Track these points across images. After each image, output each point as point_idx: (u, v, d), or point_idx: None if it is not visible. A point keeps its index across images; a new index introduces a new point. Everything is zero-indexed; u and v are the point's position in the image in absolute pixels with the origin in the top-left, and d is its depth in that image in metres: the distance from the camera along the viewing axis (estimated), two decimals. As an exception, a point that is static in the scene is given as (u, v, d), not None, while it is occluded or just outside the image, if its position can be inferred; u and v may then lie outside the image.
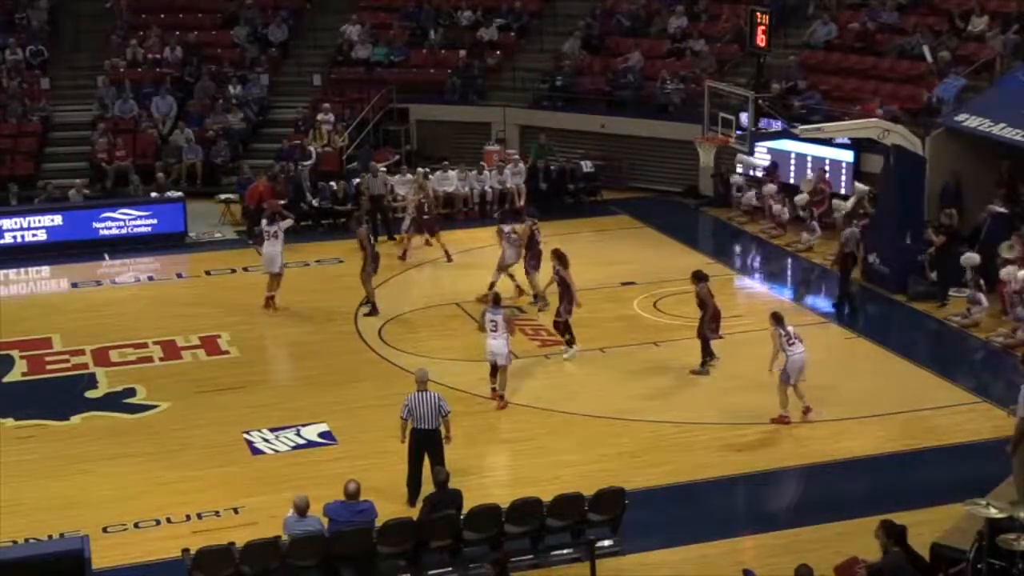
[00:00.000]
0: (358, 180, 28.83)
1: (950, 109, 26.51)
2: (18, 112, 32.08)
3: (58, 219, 27.29)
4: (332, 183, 29.18)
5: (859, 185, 26.47)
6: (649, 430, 18.12)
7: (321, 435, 18.00)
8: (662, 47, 32.94)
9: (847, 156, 27.83)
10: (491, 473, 17.14)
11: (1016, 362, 18.35)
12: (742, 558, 14.60)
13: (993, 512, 12.20)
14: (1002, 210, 24.22)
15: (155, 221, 27.77)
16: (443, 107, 33.17)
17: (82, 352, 21.33)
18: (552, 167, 30.68)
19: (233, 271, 25.90)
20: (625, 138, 31.86)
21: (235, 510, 15.81)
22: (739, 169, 29.79)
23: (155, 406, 19.16)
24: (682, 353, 20.58)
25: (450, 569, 14.04)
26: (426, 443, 15.66)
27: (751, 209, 28.97)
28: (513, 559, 13.47)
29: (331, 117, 31.69)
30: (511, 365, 18.98)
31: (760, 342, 18.85)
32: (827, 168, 27.88)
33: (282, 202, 27.65)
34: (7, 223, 26.97)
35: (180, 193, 28.80)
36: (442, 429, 15.82)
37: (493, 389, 18.93)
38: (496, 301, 19.07)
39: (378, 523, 13.75)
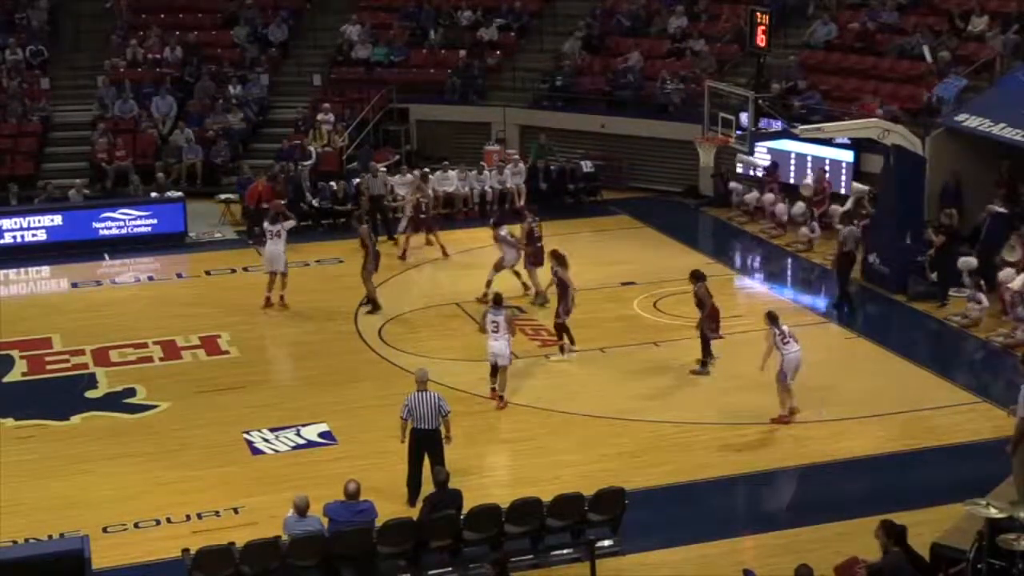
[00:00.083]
0: (358, 180, 28.84)
1: (950, 109, 26.51)
2: (18, 112, 32.08)
3: (58, 219, 27.29)
4: (332, 183, 29.18)
5: (857, 185, 26.48)
6: (649, 430, 18.12)
7: (321, 435, 18.00)
8: (662, 47, 32.94)
9: (847, 156, 27.84)
10: (491, 473, 17.14)
11: (1016, 362, 18.35)
12: (742, 558, 14.60)
13: (993, 512, 12.20)
14: (1002, 210, 24.22)
15: (155, 221, 27.77)
16: (443, 107, 33.17)
17: (82, 352, 21.33)
18: (552, 167, 30.69)
19: (233, 271, 25.90)
20: (625, 138, 31.86)
21: (235, 510, 15.81)
22: (739, 169, 29.77)
23: (155, 406, 19.16)
24: (682, 353, 20.58)
25: (450, 569, 14.04)
26: (426, 443, 15.66)
27: (751, 209, 28.98)
28: (513, 559, 13.47)
29: (331, 117, 31.69)
30: (511, 365, 18.97)
31: (760, 342, 18.83)
32: (827, 168, 27.89)
33: (282, 202, 27.71)
34: (7, 223, 26.97)
35: (180, 193, 28.80)
36: (442, 429, 15.82)
37: (493, 389, 18.93)
38: (497, 302, 19.06)
39: (378, 523, 13.75)
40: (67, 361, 21.07)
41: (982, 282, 22.53)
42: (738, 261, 27.24)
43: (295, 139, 31.22)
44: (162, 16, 35.94)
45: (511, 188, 29.76)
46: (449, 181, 29.64)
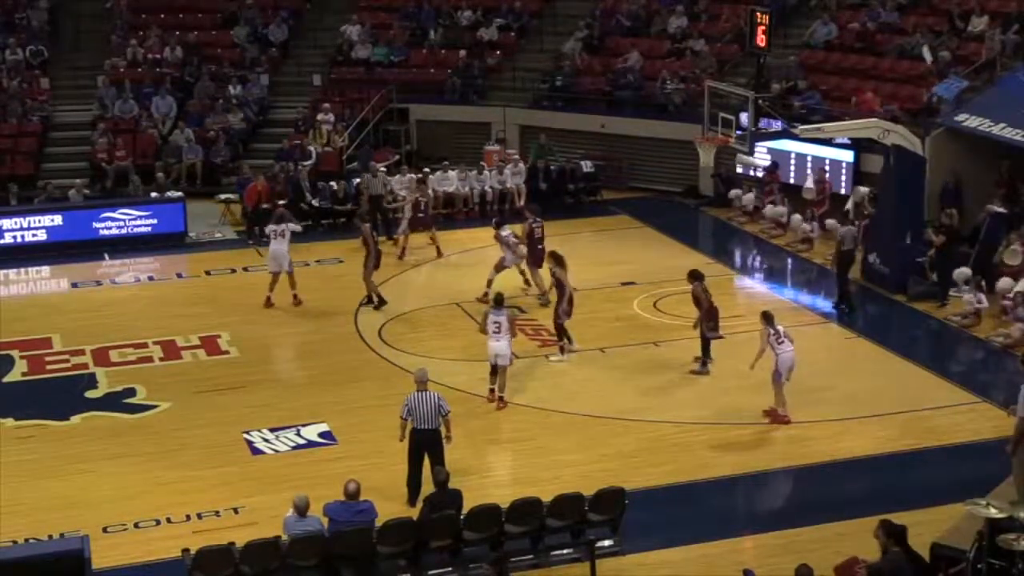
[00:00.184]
0: (358, 180, 28.85)
1: (950, 109, 26.51)
2: (18, 112, 32.08)
3: (58, 219, 27.30)
4: (332, 183, 29.19)
5: (860, 189, 26.46)
6: (649, 430, 18.12)
7: (321, 435, 18.00)
8: (662, 47, 32.95)
9: (847, 156, 27.84)
10: (491, 473, 17.14)
11: (1016, 362, 18.34)
12: (742, 558, 14.59)
13: (993, 512, 12.20)
14: (1001, 210, 24.22)
15: (155, 221, 27.77)
16: (443, 107, 33.17)
17: (82, 352, 21.33)
18: (552, 167, 30.69)
19: (233, 271, 25.90)
20: (625, 138, 31.86)
21: (235, 510, 15.80)
22: (739, 169, 29.75)
23: (155, 406, 19.16)
24: (682, 353, 20.58)
25: (450, 569, 14.04)
26: (426, 443, 15.66)
27: (751, 209, 28.98)
28: (513, 559, 13.49)
29: (331, 117, 31.70)
30: (511, 366, 18.96)
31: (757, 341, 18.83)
32: (827, 168, 27.89)
33: (282, 202, 27.73)
34: (7, 223, 26.97)
35: (180, 193, 28.81)
36: (442, 429, 15.82)
37: (491, 390, 18.90)
38: (499, 302, 19.05)
39: (378, 523, 13.75)
40: (67, 361, 21.07)
41: (983, 282, 22.53)
42: (738, 261, 27.23)
43: (295, 139, 31.22)
44: (162, 16, 35.95)
45: (511, 188, 29.75)
46: (449, 181, 29.64)
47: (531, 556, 14.23)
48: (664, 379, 20.01)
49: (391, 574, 13.87)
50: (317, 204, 28.71)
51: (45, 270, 26.37)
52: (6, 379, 20.43)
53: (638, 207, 30.36)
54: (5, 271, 26.03)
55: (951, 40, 28.76)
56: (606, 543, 14.40)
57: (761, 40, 27.04)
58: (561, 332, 20.74)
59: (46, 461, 17.34)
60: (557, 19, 35.41)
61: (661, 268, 25.09)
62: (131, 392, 19.69)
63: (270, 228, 23.50)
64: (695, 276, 20.15)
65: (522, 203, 28.17)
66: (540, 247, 23.01)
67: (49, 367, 20.86)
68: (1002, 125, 24.81)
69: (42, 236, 27.11)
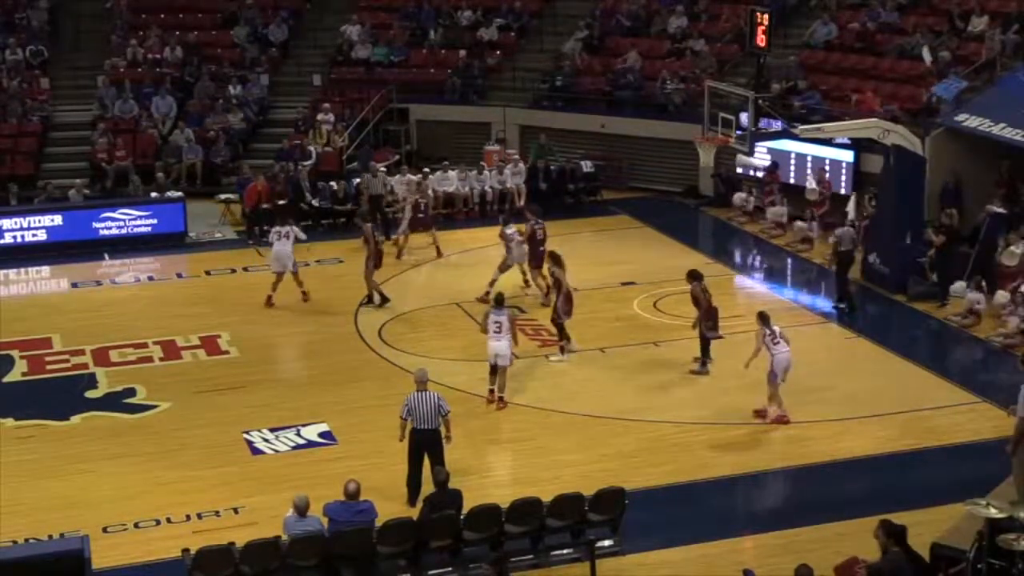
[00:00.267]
0: (358, 180, 28.85)
1: (950, 109, 26.51)
2: (18, 112, 32.08)
3: (58, 219, 27.30)
4: (332, 183, 29.19)
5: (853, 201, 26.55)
6: (649, 430, 18.12)
7: (321, 435, 18.00)
8: (662, 47, 32.95)
9: (847, 156, 27.84)
10: (491, 473, 17.14)
11: (1016, 362, 18.34)
12: (742, 558, 14.59)
13: (993, 512, 12.20)
14: (1001, 210, 24.22)
15: (155, 221, 27.78)
16: (443, 107, 33.18)
17: (82, 352, 21.33)
18: (552, 167, 30.69)
19: (233, 271, 25.91)
20: (625, 138, 31.86)
21: (235, 510, 15.80)
22: (739, 169, 29.77)
23: (155, 406, 19.16)
24: (682, 353, 20.58)
25: (450, 569, 14.04)
26: (426, 443, 15.66)
27: (751, 209, 28.98)
28: (513, 559, 13.49)
29: (331, 117, 31.70)
30: (511, 366, 18.95)
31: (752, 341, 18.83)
32: (827, 168, 27.89)
33: (282, 202, 27.77)
34: (7, 223, 26.97)
35: (180, 193, 28.81)
36: (442, 429, 15.82)
37: (491, 391, 18.88)
38: (499, 302, 19.05)
39: (378, 523, 13.75)
40: (67, 361, 21.07)
41: (983, 283, 22.52)
42: (738, 261, 27.23)
43: (295, 139, 31.23)
44: (162, 16, 35.95)
45: (511, 188, 29.75)
46: (449, 181, 29.64)
47: (531, 556, 14.23)
48: (664, 379, 20.01)
49: (391, 574, 13.87)
50: (317, 204, 28.71)
51: (45, 270, 26.37)
52: (6, 379, 20.43)
53: (638, 207, 30.36)
54: (5, 271, 26.04)
55: (951, 40, 28.76)
56: (606, 543, 14.40)
57: (761, 40, 27.09)
58: (561, 331, 20.74)
59: (46, 461, 17.34)
60: (557, 19, 35.41)
61: (661, 268, 25.09)
62: (131, 392, 19.69)
63: (275, 230, 23.53)
64: (694, 276, 20.16)
65: (522, 203, 28.18)
66: (542, 249, 23.00)
67: (49, 367, 20.86)
68: (1002, 125, 24.81)
69: (42, 236, 27.11)
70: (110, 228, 27.46)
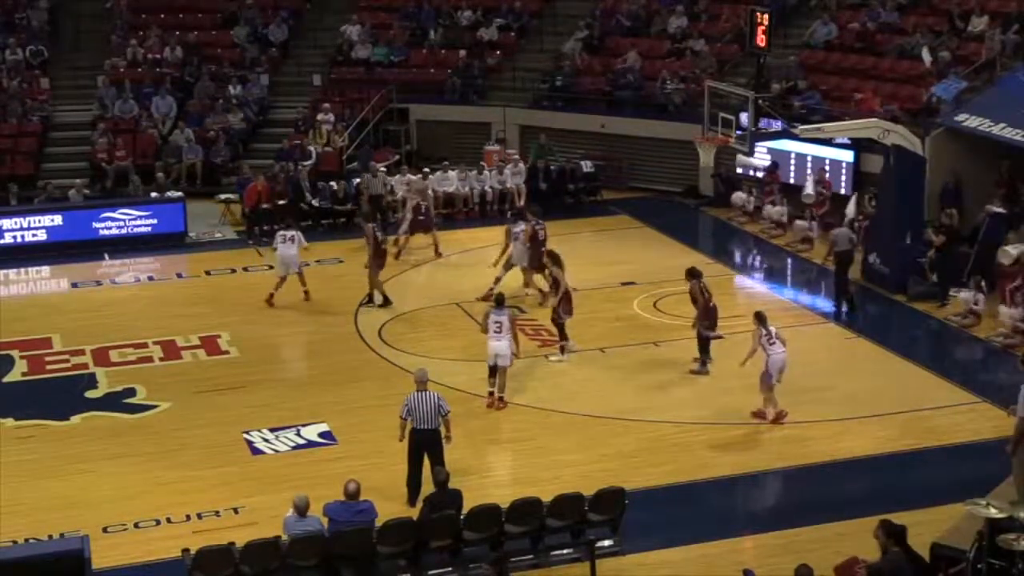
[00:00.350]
0: (358, 180, 28.86)
1: (950, 109, 26.51)
2: (18, 112, 32.09)
3: (58, 219, 27.30)
4: (332, 183, 29.19)
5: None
6: (649, 430, 18.12)
7: (321, 435, 18.00)
8: (662, 47, 32.95)
9: (847, 156, 27.84)
10: (491, 473, 17.14)
11: (1016, 362, 18.35)
12: (742, 558, 14.59)
13: (993, 512, 12.20)
14: (1000, 210, 24.22)
15: (155, 221, 27.78)
16: (443, 107, 33.18)
17: (82, 352, 21.33)
18: (552, 167, 30.69)
19: (233, 271, 25.91)
20: (625, 138, 31.86)
21: (235, 510, 15.80)
22: (739, 170, 29.76)
23: (155, 406, 19.16)
24: (682, 353, 20.58)
25: (450, 569, 14.04)
26: (426, 443, 15.65)
27: (751, 209, 28.98)
28: (513, 559, 13.48)
29: (331, 117, 31.70)
30: (511, 366, 18.93)
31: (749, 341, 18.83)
32: (827, 168, 27.89)
33: (282, 202, 27.78)
34: (7, 223, 26.98)
35: (180, 193, 28.82)
36: (442, 429, 15.81)
37: (490, 393, 18.83)
38: (500, 302, 19.05)
39: (378, 523, 13.75)
40: (67, 361, 21.07)
41: (983, 283, 22.51)
42: (738, 261, 27.23)
43: (295, 139, 31.23)
44: (162, 16, 35.95)
45: (511, 188, 29.75)
46: (449, 181, 29.64)
47: (531, 556, 14.23)
48: (664, 379, 20.01)
49: (391, 574, 13.87)
50: (317, 204, 28.72)
51: (45, 270, 26.38)
52: (6, 379, 20.43)
53: (638, 207, 30.36)
54: (5, 271, 26.04)
55: (951, 40, 28.76)
56: (606, 543, 14.40)
57: (761, 40, 27.08)
58: (562, 331, 20.74)
59: (46, 461, 17.34)
60: (557, 19, 35.42)
61: (661, 268, 25.08)
62: (131, 392, 19.69)
63: (279, 233, 23.55)
64: (693, 274, 20.17)
65: (522, 203, 28.18)
66: (542, 249, 22.99)
67: (49, 367, 20.86)
68: (1002, 125, 24.80)
69: (42, 236, 27.12)
70: (110, 228, 27.46)
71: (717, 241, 29.01)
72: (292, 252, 23.20)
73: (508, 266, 23.50)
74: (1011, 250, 22.72)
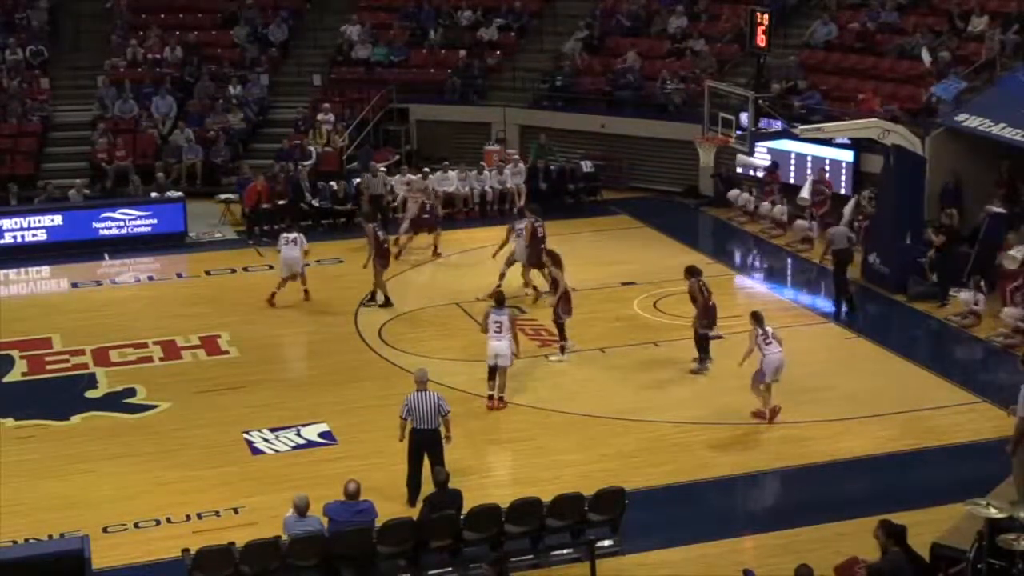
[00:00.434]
0: (358, 180, 28.86)
1: (950, 109, 26.51)
2: (18, 112, 32.08)
3: (58, 219, 27.31)
4: (332, 183, 29.19)
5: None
6: (649, 430, 18.11)
7: (321, 435, 18.00)
8: (662, 47, 32.96)
9: (847, 156, 27.84)
10: (491, 473, 17.14)
11: (1016, 362, 18.35)
12: (742, 558, 14.60)
13: (993, 512, 12.20)
14: (1000, 210, 24.22)
15: (155, 221, 27.78)
16: (443, 107, 33.18)
17: (82, 352, 21.33)
18: (552, 167, 30.69)
19: (233, 271, 25.91)
20: (625, 138, 31.87)
21: (235, 510, 15.80)
22: (739, 170, 29.76)
23: (155, 406, 19.16)
24: (682, 353, 20.57)
25: (450, 569, 14.04)
26: (426, 443, 15.65)
27: (751, 209, 28.98)
28: (513, 559, 13.48)
29: (331, 117, 31.71)
30: (511, 366, 18.92)
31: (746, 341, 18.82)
32: (827, 168, 27.89)
33: (282, 202, 27.78)
34: (7, 223, 26.98)
35: (180, 193, 28.82)
36: (442, 429, 15.81)
37: (490, 396, 18.79)
38: (500, 302, 19.04)
39: (378, 523, 13.75)
40: (67, 361, 21.07)
41: (983, 283, 22.51)
42: (738, 261, 27.23)
43: (295, 139, 31.23)
44: (162, 16, 35.96)
45: (511, 188, 29.75)
46: (449, 181, 29.64)
47: (531, 556, 14.23)
48: (664, 379, 20.01)
49: (391, 574, 13.88)
50: (317, 204, 28.72)
51: (45, 270, 26.38)
52: (6, 379, 20.43)
53: (638, 207, 30.36)
54: (5, 271, 26.04)
55: (951, 40, 28.76)
56: (606, 543, 14.40)
57: (761, 40, 27.06)
58: (562, 331, 20.73)
59: (46, 461, 17.34)
60: (557, 19, 35.42)
61: (661, 268, 25.07)
62: (131, 392, 19.69)
63: (283, 235, 23.57)
64: (692, 272, 20.17)
65: (522, 203, 28.18)
66: (542, 247, 22.99)
67: (49, 367, 20.86)
68: (1002, 125, 24.80)
69: (42, 236, 27.12)
70: (110, 228, 27.46)
71: (717, 241, 29.02)
72: (295, 254, 23.22)
73: (510, 262, 23.49)
74: (1016, 254, 22.71)
